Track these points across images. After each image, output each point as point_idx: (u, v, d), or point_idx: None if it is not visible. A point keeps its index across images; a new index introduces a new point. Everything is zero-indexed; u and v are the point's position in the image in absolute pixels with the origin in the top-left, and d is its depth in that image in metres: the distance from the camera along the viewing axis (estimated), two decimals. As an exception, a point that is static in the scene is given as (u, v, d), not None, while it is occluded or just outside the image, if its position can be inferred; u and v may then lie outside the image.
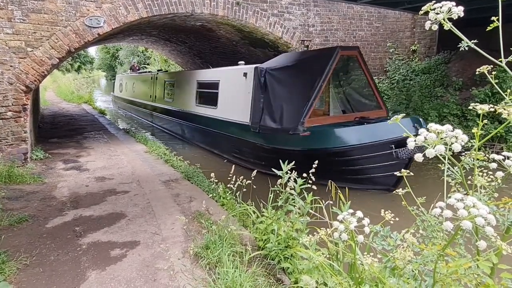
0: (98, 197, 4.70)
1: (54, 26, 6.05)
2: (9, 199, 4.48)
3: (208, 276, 2.68)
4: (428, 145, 1.09)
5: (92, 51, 53.29)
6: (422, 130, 1.14)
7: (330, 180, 3.30)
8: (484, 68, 1.33)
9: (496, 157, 1.24)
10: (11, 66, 5.76)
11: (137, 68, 22.34)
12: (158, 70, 15.96)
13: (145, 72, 19.22)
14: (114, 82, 22.48)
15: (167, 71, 15.31)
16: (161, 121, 12.76)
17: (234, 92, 7.86)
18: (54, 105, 17.23)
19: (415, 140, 1.12)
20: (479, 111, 1.22)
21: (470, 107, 1.30)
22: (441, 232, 1.33)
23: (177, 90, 11.32)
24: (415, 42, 11.13)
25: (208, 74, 9.71)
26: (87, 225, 3.80)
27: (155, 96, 13.37)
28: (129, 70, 23.31)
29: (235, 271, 2.55)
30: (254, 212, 3.67)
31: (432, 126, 1.11)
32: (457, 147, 1.07)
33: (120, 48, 39.04)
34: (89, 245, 3.34)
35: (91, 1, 6.32)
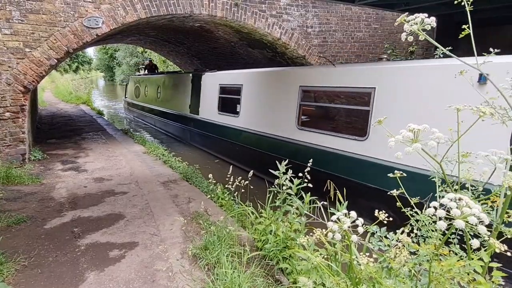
0: (96, 198, 4.69)
1: (52, 26, 6.04)
2: (7, 200, 4.47)
3: (206, 277, 2.68)
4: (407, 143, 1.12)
5: (91, 51, 53.36)
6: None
7: (328, 180, 3.28)
8: (462, 72, 1.38)
9: (483, 153, 1.27)
10: (9, 66, 5.75)
11: (153, 67, 18.32)
12: (196, 69, 11.89)
13: (175, 72, 15.06)
14: (126, 85, 19.31)
15: (215, 70, 10.24)
16: (217, 146, 8.90)
17: (423, 113, 4.21)
18: (52, 105, 17.19)
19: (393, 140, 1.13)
20: (455, 111, 1.26)
21: (445, 108, 1.34)
22: (436, 232, 1.35)
23: (246, 100, 7.76)
24: (413, 44, 11.17)
25: (331, 76, 5.69)
26: (86, 226, 3.79)
27: (198, 107, 9.81)
28: (143, 70, 19.98)
29: (233, 271, 2.56)
30: (252, 213, 3.68)
31: (411, 125, 1.15)
32: (432, 144, 1.10)
33: (118, 49, 39.04)
34: (87, 246, 3.34)
35: (89, 1, 6.31)
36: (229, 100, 8.52)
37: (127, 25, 6.88)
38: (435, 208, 1.04)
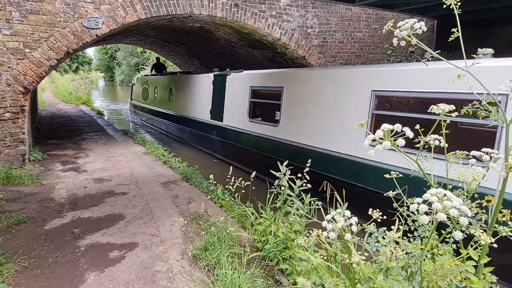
0: (96, 199, 4.69)
1: (52, 27, 6.04)
2: (7, 200, 4.47)
3: (206, 277, 2.68)
4: (380, 142, 1.15)
5: (90, 52, 53.42)
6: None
7: (325, 181, 3.25)
8: (460, 76, 1.39)
9: (475, 153, 1.27)
10: (9, 67, 5.75)
11: (161, 66, 16.83)
12: (216, 69, 10.12)
13: (190, 72, 12.95)
14: (132, 86, 18.01)
15: (241, 70, 8.71)
16: (249, 160, 7.39)
17: None
18: (52, 106, 17.19)
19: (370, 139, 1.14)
20: (436, 111, 1.29)
21: (429, 110, 1.36)
22: (429, 232, 1.36)
23: (289, 106, 6.46)
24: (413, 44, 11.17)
25: (423, 78, 4.25)
26: (86, 227, 3.79)
27: (222, 112, 8.50)
28: (150, 70, 18.63)
29: (233, 272, 2.56)
30: (252, 214, 3.68)
31: (384, 125, 1.18)
32: (401, 142, 1.18)
33: (118, 49, 39.04)
34: (87, 247, 3.34)
35: (89, 2, 6.31)
36: (264, 106, 7.36)
37: (127, 25, 6.88)
38: (418, 204, 1.06)
